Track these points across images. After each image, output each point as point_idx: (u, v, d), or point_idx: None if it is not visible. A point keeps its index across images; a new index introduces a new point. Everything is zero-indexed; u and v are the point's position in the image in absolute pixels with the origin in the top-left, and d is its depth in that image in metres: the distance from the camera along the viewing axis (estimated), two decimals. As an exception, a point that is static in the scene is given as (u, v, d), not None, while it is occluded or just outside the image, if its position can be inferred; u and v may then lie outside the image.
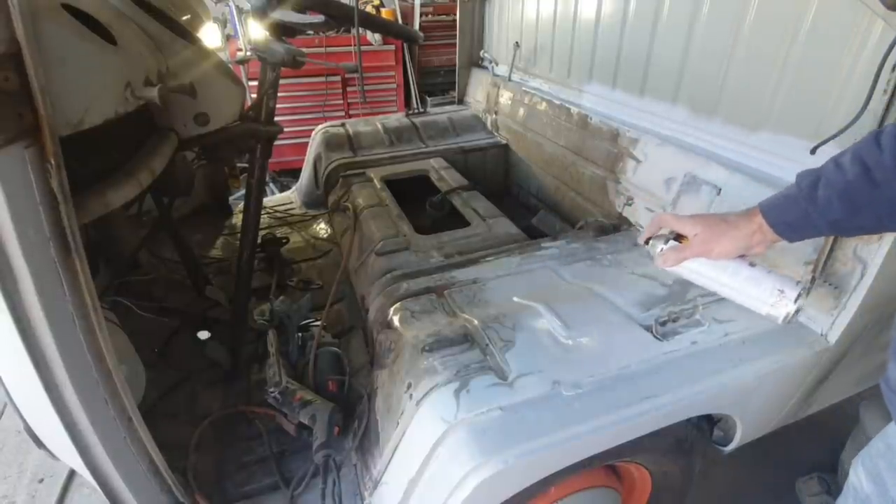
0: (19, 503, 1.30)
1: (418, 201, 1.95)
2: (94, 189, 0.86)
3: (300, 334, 1.44)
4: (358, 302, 1.50)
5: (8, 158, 0.60)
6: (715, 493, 1.65)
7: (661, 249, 0.96)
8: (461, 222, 1.71)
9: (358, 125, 2.47)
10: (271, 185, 4.19)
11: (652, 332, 1.03)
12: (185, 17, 1.52)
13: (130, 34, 1.04)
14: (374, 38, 4.45)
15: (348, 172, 2.15)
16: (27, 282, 0.66)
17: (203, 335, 1.52)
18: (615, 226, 1.55)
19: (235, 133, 1.30)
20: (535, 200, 2.22)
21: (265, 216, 2.33)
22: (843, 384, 1.27)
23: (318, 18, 1.31)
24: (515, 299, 1.14)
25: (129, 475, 0.90)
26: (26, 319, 0.68)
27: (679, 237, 0.95)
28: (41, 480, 1.35)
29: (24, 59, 0.59)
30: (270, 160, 1.46)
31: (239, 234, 1.48)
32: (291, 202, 2.56)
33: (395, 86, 4.69)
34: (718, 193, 1.26)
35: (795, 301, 0.89)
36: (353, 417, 1.22)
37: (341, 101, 4.53)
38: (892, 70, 0.88)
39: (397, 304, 1.19)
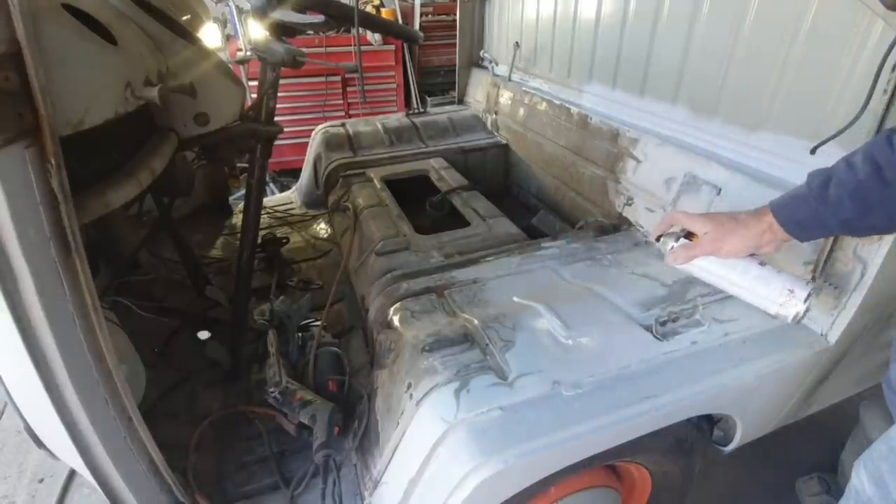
0: (19, 503, 1.30)
1: (418, 201, 1.95)
2: (94, 189, 0.86)
3: (300, 334, 1.44)
4: (358, 302, 1.50)
5: (8, 158, 0.60)
6: (715, 493, 1.65)
7: (672, 247, 0.97)
8: (461, 222, 1.71)
9: (358, 125, 2.47)
10: (271, 185, 4.19)
11: (652, 332, 1.03)
12: (185, 17, 1.52)
13: (130, 34, 1.04)
14: (374, 38, 4.45)
15: (348, 172, 2.15)
16: (27, 282, 0.66)
17: (203, 335, 1.52)
18: (615, 226, 1.55)
19: (235, 133, 1.30)
20: (535, 200, 2.22)
21: (265, 216, 2.33)
22: (843, 384, 1.27)
23: (318, 18, 1.31)
24: (515, 299, 1.14)
25: (129, 475, 0.90)
26: (26, 319, 0.68)
27: (689, 235, 0.96)
28: (41, 480, 1.35)
29: (25, 59, 0.59)
30: (270, 160, 1.46)
31: (239, 234, 1.48)
32: (291, 202, 2.56)
33: (395, 86, 4.69)
34: (718, 193, 1.26)
35: (805, 301, 0.89)
36: (353, 417, 1.21)
37: (341, 101, 4.53)
38: (892, 70, 0.88)
39: (397, 304, 1.19)
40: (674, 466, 1.21)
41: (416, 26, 4.72)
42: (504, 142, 2.40)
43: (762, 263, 0.94)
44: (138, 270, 1.79)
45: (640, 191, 1.51)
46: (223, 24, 4.00)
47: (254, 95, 1.51)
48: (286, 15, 1.25)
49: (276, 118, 1.40)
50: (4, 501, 1.31)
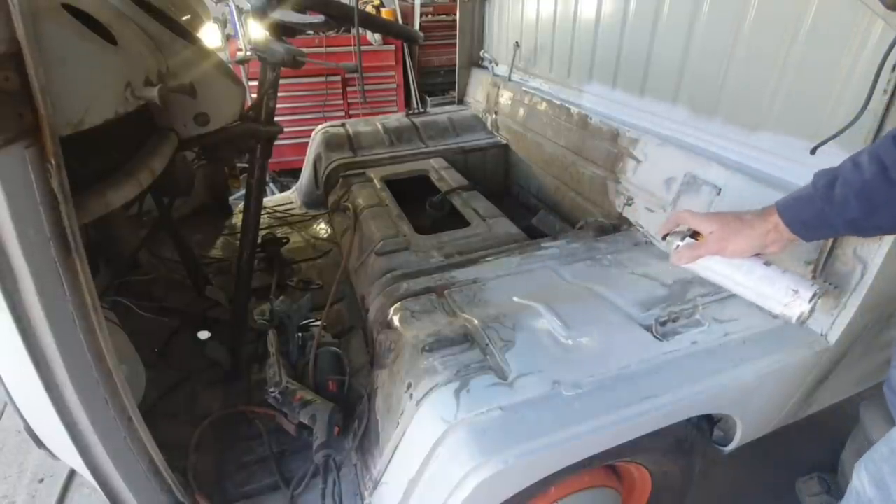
0: (19, 503, 1.30)
1: (418, 201, 1.95)
2: (94, 189, 0.86)
3: (300, 334, 1.44)
4: (358, 302, 1.50)
5: (8, 158, 0.60)
6: (715, 493, 1.65)
7: (677, 246, 0.97)
8: (461, 222, 1.71)
9: (358, 125, 2.47)
10: (271, 185, 4.19)
11: (652, 332, 1.03)
12: (185, 17, 1.52)
13: (130, 34, 1.04)
14: (374, 38, 4.45)
15: (348, 172, 2.15)
16: (27, 282, 0.66)
17: (203, 335, 1.52)
18: (615, 226, 1.55)
19: (235, 133, 1.30)
20: (535, 200, 2.22)
21: (265, 216, 2.33)
22: (843, 384, 1.27)
23: (318, 18, 1.31)
24: (515, 299, 1.14)
25: (129, 475, 0.90)
26: (26, 319, 0.68)
27: (695, 234, 0.96)
28: (41, 480, 1.35)
29: (25, 59, 0.59)
30: (270, 160, 1.46)
31: (239, 234, 1.48)
32: (291, 202, 2.56)
33: (395, 86, 4.69)
34: (718, 193, 1.26)
35: (810, 301, 0.89)
36: (353, 417, 1.21)
37: (341, 101, 4.53)
38: (892, 70, 0.88)
39: (397, 304, 1.19)
40: (674, 466, 1.21)
41: (416, 26, 4.72)
42: (504, 142, 2.40)
43: (767, 263, 0.94)
44: (138, 270, 1.79)
45: (640, 191, 1.51)
46: (223, 24, 4.00)
47: (254, 95, 1.51)
48: (286, 15, 1.25)
49: (276, 118, 1.40)
50: (4, 501, 1.31)
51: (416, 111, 2.65)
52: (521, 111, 2.25)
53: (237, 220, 2.36)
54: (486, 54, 2.68)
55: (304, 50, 1.30)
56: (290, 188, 2.75)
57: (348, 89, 4.50)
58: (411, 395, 0.94)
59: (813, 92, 1.10)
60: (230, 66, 1.88)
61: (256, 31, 1.35)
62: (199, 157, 1.67)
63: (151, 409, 1.32)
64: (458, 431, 0.84)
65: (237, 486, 1.20)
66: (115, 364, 0.80)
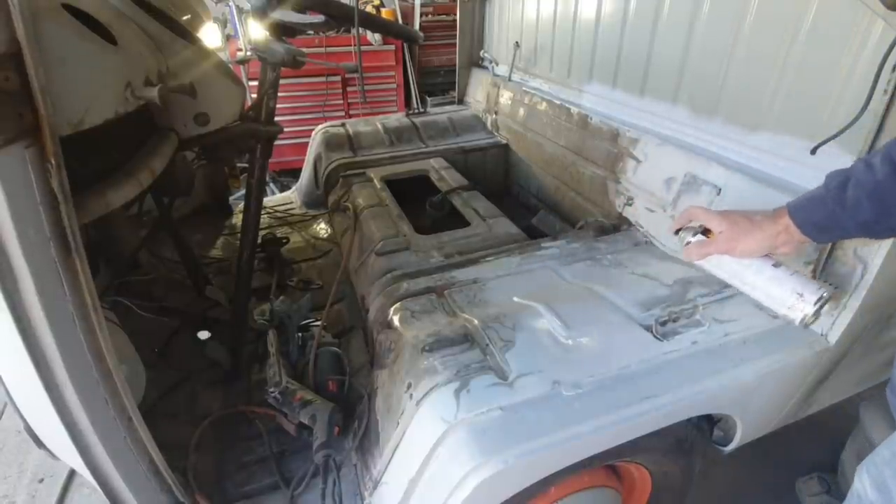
0: (19, 503, 1.30)
1: (418, 201, 1.95)
2: (94, 189, 0.86)
3: (300, 334, 1.44)
4: (358, 302, 1.50)
5: (8, 158, 0.60)
6: (715, 493, 1.65)
7: (688, 242, 0.98)
8: (461, 222, 1.71)
9: (358, 125, 2.47)
10: (271, 185, 4.19)
11: (652, 332, 1.03)
12: (185, 17, 1.52)
13: (130, 34, 1.04)
14: (374, 38, 4.44)
15: (348, 172, 2.15)
16: (27, 282, 0.66)
17: (203, 335, 1.52)
18: (615, 226, 1.55)
19: (235, 133, 1.30)
20: (535, 200, 2.22)
21: (265, 216, 2.33)
22: (844, 384, 1.27)
23: (318, 18, 1.31)
24: (515, 299, 1.14)
25: (129, 475, 0.90)
26: (26, 319, 0.68)
27: (707, 231, 0.97)
28: (41, 480, 1.35)
29: (25, 59, 0.59)
30: (270, 160, 1.46)
31: (239, 234, 1.48)
32: (291, 202, 2.56)
33: (395, 86, 4.69)
34: (718, 193, 1.26)
35: (815, 304, 0.89)
36: (353, 417, 1.21)
37: (341, 101, 4.53)
38: (893, 70, 0.88)
39: (397, 304, 1.19)
40: (674, 466, 1.21)
41: (416, 26, 4.72)
42: (504, 142, 2.40)
43: (777, 264, 0.94)
44: (138, 270, 1.79)
45: (641, 191, 1.51)
46: (223, 24, 4.00)
47: (254, 95, 1.51)
48: (286, 15, 1.25)
49: (276, 118, 1.40)
50: (4, 501, 1.31)
51: (416, 111, 2.65)
52: (521, 111, 2.25)
53: (237, 220, 2.36)
54: (486, 54, 2.68)
55: (304, 50, 1.30)
56: (290, 188, 2.75)
57: (348, 89, 4.50)
58: (411, 395, 0.94)
59: (813, 92, 1.10)
60: (230, 66, 1.88)
61: (256, 31, 1.35)
62: (199, 157, 1.68)
63: (151, 409, 1.32)
64: (458, 431, 0.84)
65: (237, 486, 1.20)
66: (115, 364, 0.80)
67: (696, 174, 1.33)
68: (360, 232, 1.72)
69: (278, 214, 2.41)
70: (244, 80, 3.94)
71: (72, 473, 1.33)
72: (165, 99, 0.96)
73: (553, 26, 2.04)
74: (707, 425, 1.21)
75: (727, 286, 1.13)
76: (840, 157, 1.03)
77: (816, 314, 0.91)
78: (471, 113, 2.65)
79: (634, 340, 1.02)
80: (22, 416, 0.96)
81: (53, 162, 0.64)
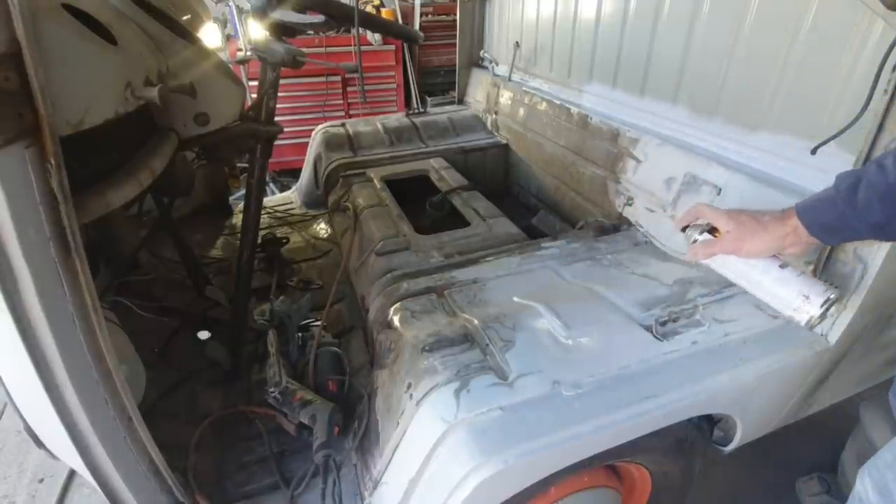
0: (19, 503, 1.30)
1: (418, 201, 1.95)
2: (94, 189, 0.86)
3: (300, 334, 1.44)
4: (358, 302, 1.50)
5: (8, 158, 0.60)
6: (715, 493, 1.65)
7: (695, 240, 0.98)
8: (461, 222, 1.71)
9: (358, 125, 2.47)
10: (271, 185, 4.19)
11: (652, 332, 1.03)
12: (185, 17, 1.52)
13: (130, 34, 1.04)
14: (374, 38, 4.45)
15: (348, 172, 2.15)
16: (27, 282, 0.66)
17: (203, 335, 1.51)
18: (615, 226, 1.55)
19: (235, 133, 1.30)
20: (535, 200, 2.22)
21: (265, 216, 2.33)
22: (844, 384, 1.27)
23: (318, 18, 1.31)
24: (515, 299, 1.14)
25: (129, 475, 0.90)
26: (26, 319, 0.68)
27: (713, 230, 0.96)
28: (41, 480, 1.35)
29: (25, 59, 0.59)
30: (270, 160, 1.46)
31: (239, 234, 1.48)
32: (291, 202, 2.56)
33: (395, 86, 4.69)
34: (718, 193, 1.26)
35: (821, 307, 0.89)
36: (353, 417, 1.21)
37: (341, 101, 4.53)
38: (893, 70, 0.88)
39: (397, 304, 1.19)
40: (674, 466, 1.21)
41: (416, 26, 4.72)
42: (504, 142, 2.40)
43: (784, 265, 0.94)
44: (138, 270, 1.79)
45: (641, 191, 1.51)
46: (223, 24, 4.00)
47: (254, 95, 1.51)
48: (286, 15, 1.25)
49: (276, 118, 1.40)
50: (4, 501, 1.31)
51: (416, 111, 2.65)
52: (521, 111, 2.25)
53: (237, 220, 2.36)
54: (486, 54, 2.68)
55: (304, 50, 1.30)
56: (290, 188, 2.75)
57: (348, 89, 4.50)
58: (411, 395, 0.94)
59: (813, 92, 1.10)
60: (230, 66, 1.88)
61: (256, 31, 1.35)
62: (199, 157, 1.67)
63: (151, 409, 1.32)
64: (458, 431, 0.84)
65: (237, 486, 1.20)
66: (115, 364, 0.80)
67: (696, 174, 1.33)
68: (360, 232, 1.72)
69: (278, 214, 2.41)
70: (244, 80, 3.94)
71: (72, 473, 1.33)
72: (165, 99, 0.96)
73: (553, 26, 2.04)
74: (707, 425, 1.21)
75: (727, 286, 1.13)
76: (840, 157, 1.03)
77: (822, 316, 0.90)
78: (471, 113, 2.65)
79: (634, 340, 1.01)
80: (22, 416, 0.95)
81: (53, 162, 0.64)
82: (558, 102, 1.98)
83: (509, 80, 2.40)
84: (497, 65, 2.61)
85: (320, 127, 2.47)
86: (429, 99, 4.64)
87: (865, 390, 1.38)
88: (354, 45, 3.99)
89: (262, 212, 1.97)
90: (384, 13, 4.52)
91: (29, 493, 1.32)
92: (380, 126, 2.45)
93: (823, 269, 1.03)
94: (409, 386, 0.96)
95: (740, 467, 1.74)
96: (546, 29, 2.10)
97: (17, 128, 0.60)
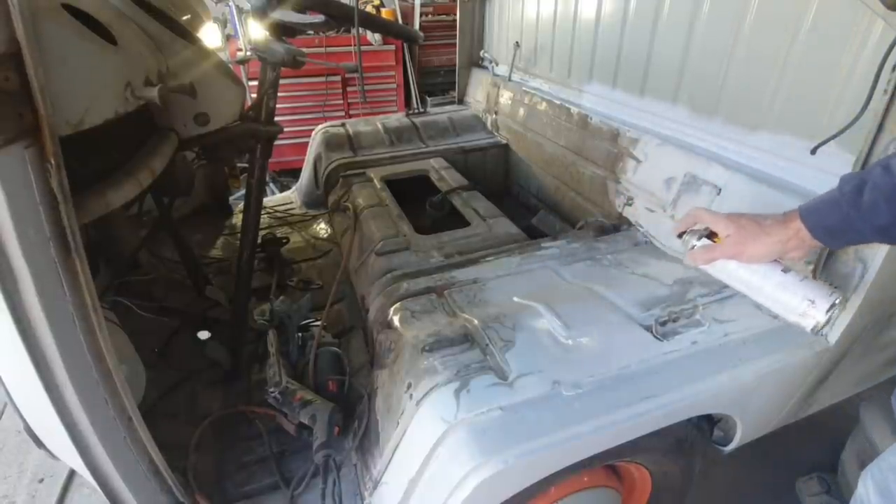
0: (19, 503, 1.30)
1: (418, 201, 1.96)
2: (94, 189, 0.86)
3: (300, 334, 1.44)
4: (358, 302, 1.50)
5: (8, 158, 0.60)
6: (715, 493, 1.65)
7: (693, 246, 0.95)
8: (461, 222, 1.71)
9: (358, 125, 2.47)
10: (271, 185, 4.19)
11: (652, 332, 1.03)
12: (185, 17, 1.52)
13: (130, 34, 1.04)
14: (374, 38, 4.45)
15: (348, 172, 2.15)
16: (27, 282, 0.66)
17: (203, 335, 1.52)
18: (615, 226, 1.55)
19: (235, 133, 1.30)
20: (535, 200, 2.22)
21: (265, 216, 2.33)
22: (843, 384, 1.27)
23: (318, 18, 1.31)
24: (515, 299, 1.14)
25: (129, 475, 0.90)
26: (26, 319, 0.68)
27: (712, 235, 0.94)
28: (41, 480, 1.35)
29: (24, 59, 0.59)
30: (270, 160, 1.46)
31: (239, 234, 1.48)
32: (291, 202, 2.56)
33: (395, 86, 4.69)
34: (718, 193, 1.26)
35: (827, 312, 0.87)
36: (353, 417, 1.21)
37: (341, 101, 4.53)
38: (893, 70, 0.88)
39: (397, 304, 1.19)
40: (674, 466, 1.21)
41: (416, 26, 4.71)
42: (504, 142, 2.40)
43: (786, 269, 0.91)
44: (138, 270, 1.79)
45: (641, 191, 1.51)
46: (223, 24, 4.00)
47: (254, 95, 1.51)
48: (286, 15, 1.25)
49: (276, 118, 1.40)
50: (4, 501, 1.31)
51: (416, 111, 2.65)
52: (521, 111, 2.25)
53: (237, 220, 2.36)
54: (486, 54, 2.68)
55: (304, 50, 1.30)
56: (290, 188, 2.75)
57: (348, 89, 4.50)
58: (411, 395, 0.94)
59: (813, 92, 1.10)
60: (230, 66, 1.88)
61: (256, 31, 1.35)
62: (199, 157, 1.67)
63: (151, 409, 1.32)
64: (458, 431, 0.84)
65: (237, 486, 1.20)
66: (115, 364, 0.80)
67: (696, 174, 1.33)
68: (360, 232, 1.72)
69: (278, 214, 2.41)
70: (244, 80, 3.94)
71: (72, 473, 1.33)
72: (165, 99, 0.96)
73: (553, 26, 2.04)
74: (707, 425, 1.21)
75: (727, 286, 1.13)
76: (840, 157, 1.03)
77: (829, 321, 0.88)
78: (471, 113, 2.65)
79: (634, 340, 1.01)
80: (22, 416, 0.95)
81: (53, 162, 0.64)
82: (558, 102, 1.98)
83: (509, 80, 2.40)
84: (497, 65, 2.61)
85: (320, 127, 2.47)
86: (429, 99, 4.64)
87: (865, 390, 1.38)
88: (354, 45, 3.98)
89: (262, 212, 1.97)
90: (384, 13, 4.52)
91: (29, 493, 1.32)
92: (380, 126, 2.45)
93: (823, 268, 1.03)
94: (409, 386, 0.96)
95: (740, 467, 1.74)
96: (546, 29, 2.10)
97: (16, 128, 0.60)
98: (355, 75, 4.24)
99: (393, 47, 4.54)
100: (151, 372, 1.29)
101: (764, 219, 0.86)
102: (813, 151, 1.02)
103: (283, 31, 1.30)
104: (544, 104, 2.06)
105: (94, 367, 0.77)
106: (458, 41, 2.72)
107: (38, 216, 0.65)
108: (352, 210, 1.85)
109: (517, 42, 2.34)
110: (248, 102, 1.43)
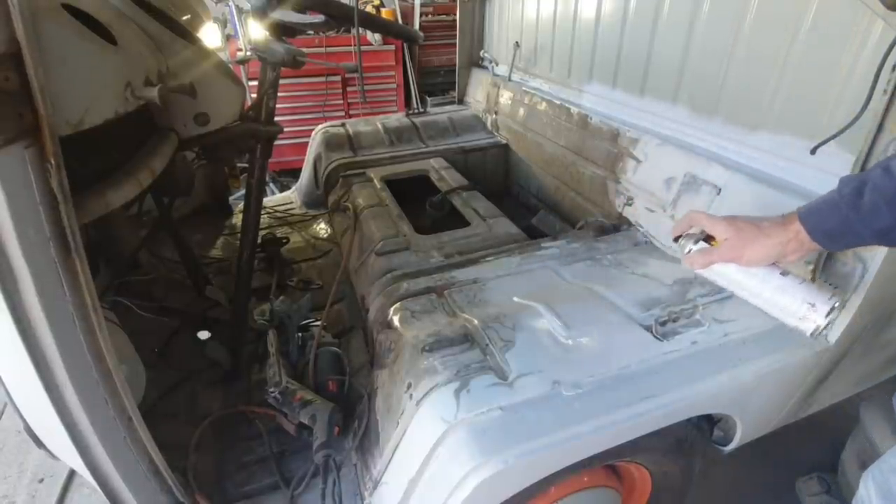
0: (19, 503, 1.30)
1: (418, 201, 1.96)
2: (94, 189, 0.86)
3: (300, 334, 1.44)
4: (358, 302, 1.50)
5: (8, 158, 0.60)
6: (715, 493, 1.65)
7: (690, 250, 0.93)
8: (461, 222, 1.71)
9: (358, 125, 2.47)
10: (271, 185, 4.19)
11: (652, 332, 1.03)
12: (185, 17, 1.52)
13: (130, 34, 1.04)
14: (374, 38, 4.45)
15: (348, 172, 2.15)
16: (27, 282, 0.66)
17: (203, 335, 1.52)
18: (615, 226, 1.55)
19: (235, 133, 1.30)
20: (535, 200, 2.22)
21: (265, 216, 2.33)
22: (843, 384, 1.27)
23: (318, 18, 1.31)
24: (515, 299, 1.14)
25: (129, 475, 0.90)
26: (26, 319, 0.68)
27: (709, 238, 0.92)
28: (41, 480, 1.35)
29: (24, 59, 0.59)
30: (270, 160, 1.46)
31: (239, 234, 1.48)
32: (291, 202, 2.56)
33: (395, 86, 4.69)
34: (718, 193, 1.26)
35: (827, 315, 0.86)
36: (353, 417, 1.21)
37: (341, 101, 4.53)
38: (893, 70, 0.88)
39: (397, 304, 1.19)
40: (674, 466, 1.21)
41: (416, 26, 4.71)
42: (504, 142, 2.40)
43: (784, 273, 0.90)
44: (138, 270, 1.79)
45: (641, 191, 1.51)
46: (223, 24, 4.00)
47: (254, 95, 1.51)
48: (286, 15, 1.25)
49: (276, 118, 1.40)
50: (4, 501, 1.31)
51: (416, 111, 2.65)
52: (521, 111, 2.25)
53: (237, 220, 2.36)
54: (486, 54, 2.68)
55: (304, 50, 1.30)
56: (290, 188, 2.75)
57: (348, 89, 4.50)
58: (411, 395, 0.94)
59: (813, 92, 1.10)
60: (230, 66, 1.88)
61: (256, 31, 1.35)
62: (199, 157, 1.67)
63: (151, 409, 1.32)
64: (458, 431, 0.84)
65: (237, 486, 1.20)
66: (115, 364, 0.80)
67: (696, 174, 1.33)
68: (360, 232, 1.72)
69: (278, 214, 2.41)
70: (244, 80, 3.94)
71: (72, 473, 1.33)
72: (165, 99, 0.96)
73: (553, 26, 2.04)
74: (707, 425, 1.21)
75: (727, 286, 1.13)
76: (840, 157, 1.03)
77: (830, 325, 0.87)
78: (471, 113, 2.65)
79: (634, 340, 1.01)
80: (22, 416, 0.95)
81: (53, 162, 0.64)
82: (558, 102, 1.98)
83: (509, 80, 2.40)
84: (497, 65, 2.61)
85: (320, 127, 2.47)
86: (429, 99, 4.64)
87: (865, 390, 1.38)
88: (354, 45, 3.98)
89: (262, 212, 1.97)
90: (384, 13, 4.52)
91: (29, 493, 1.32)
92: (380, 126, 2.45)
93: (823, 268, 1.03)
94: (409, 386, 0.96)
95: (740, 467, 1.74)
96: (546, 29, 2.10)
97: (16, 128, 0.60)
98: (355, 75, 4.24)
99: (393, 47, 4.54)
100: (151, 372, 1.29)
101: (762, 221, 0.85)
102: (813, 151, 1.02)
103: (283, 31, 1.30)
104: (544, 104, 2.06)
105: (94, 367, 0.77)
106: (458, 41, 2.72)
107: (38, 216, 0.65)
108: (352, 210, 1.85)
109: (517, 42, 2.34)
110: (248, 102, 1.43)
